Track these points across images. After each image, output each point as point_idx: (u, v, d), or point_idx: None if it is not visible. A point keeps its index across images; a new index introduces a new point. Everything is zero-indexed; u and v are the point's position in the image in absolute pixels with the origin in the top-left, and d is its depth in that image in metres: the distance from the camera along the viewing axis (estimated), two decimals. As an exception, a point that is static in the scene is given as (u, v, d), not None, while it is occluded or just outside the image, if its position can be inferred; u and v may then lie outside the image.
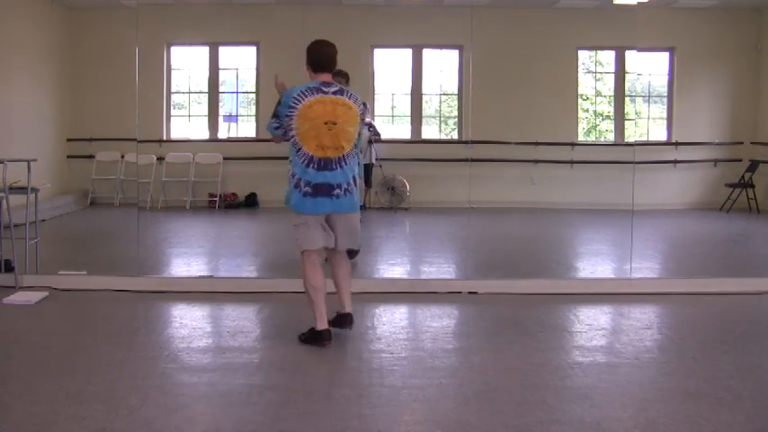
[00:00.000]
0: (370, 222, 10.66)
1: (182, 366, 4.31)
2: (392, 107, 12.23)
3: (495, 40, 10.75)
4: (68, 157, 11.28)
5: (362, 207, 10.85)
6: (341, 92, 4.60)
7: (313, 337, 4.63)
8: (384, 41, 11.84)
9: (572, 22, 11.32)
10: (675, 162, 11.62)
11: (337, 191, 4.56)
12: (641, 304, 5.79)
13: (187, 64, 11.91)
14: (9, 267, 6.19)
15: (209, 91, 11.81)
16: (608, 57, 12.15)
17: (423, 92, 11.94)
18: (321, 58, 4.65)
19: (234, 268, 7.51)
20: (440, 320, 5.39)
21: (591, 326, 5.19)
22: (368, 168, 10.96)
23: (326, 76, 4.64)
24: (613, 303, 5.79)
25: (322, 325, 4.61)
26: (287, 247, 8.40)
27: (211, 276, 6.77)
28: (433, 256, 8.12)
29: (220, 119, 11.94)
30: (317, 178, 4.54)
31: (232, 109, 12.12)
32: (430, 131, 12.27)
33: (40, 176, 6.87)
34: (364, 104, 4.80)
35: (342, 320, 4.80)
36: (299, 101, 4.53)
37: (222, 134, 11.90)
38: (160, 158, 11.13)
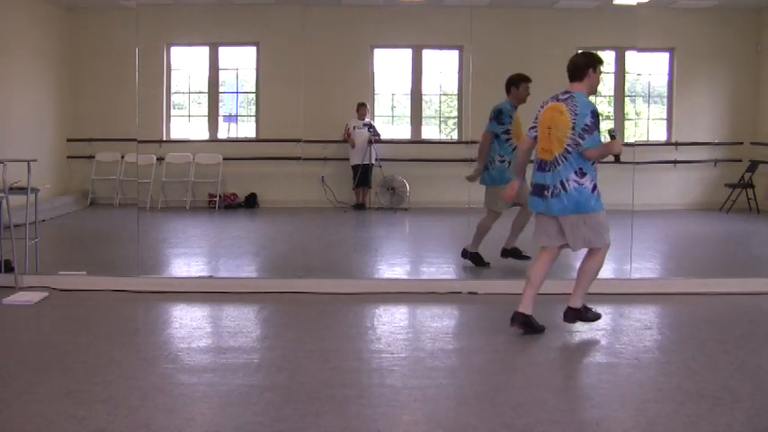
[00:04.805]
0: (370, 223, 10.67)
1: (181, 367, 4.31)
2: (392, 107, 12.23)
3: (495, 41, 10.73)
4: (68, 157, 11.28)
5: (362, 207, 11.02)
6: (567, 99, 4.82)
7: None
8: (384, 42, 11.83)
9: (572, 23, 11.29)
10: (675, 162, 11.60)
11: (546, 192, 4.82)
12: (641, 304, 5.80)
13: (187, 64, 11.90)
14: (9, 268, 6.19)
15: (209, 91, 11.80)
16: (608, 57, 12.09)
17: (422, 92, 11.93)
18: (567, 67, 4.96)
19: (234, 268, 7.51)
20: (440, 321, 5.39)
21: (591, 326, 5.18)
22: (367, 169, 10.96)
23: (571, 85, 4.90)
24: (613, 303, 5.78)
25: (519, 307, 4.92)
26: (286, 247, 8.45)
27: (211, 277, 6.77)
28: (432, 256, 8.12)
29: (220, 119, 11.94)
30: (536, 178, 4.93)
31: (232, 109, 12.12)
32: (430, 132, 12.25)
33: (39, 177, 6.86)
34: (592, 112, 4.73)
35: (565, 312, 5.06)
36: (540, 108, 4.97)
37: (222, 134, 11.90)
38: (160, 159, 11.12)
